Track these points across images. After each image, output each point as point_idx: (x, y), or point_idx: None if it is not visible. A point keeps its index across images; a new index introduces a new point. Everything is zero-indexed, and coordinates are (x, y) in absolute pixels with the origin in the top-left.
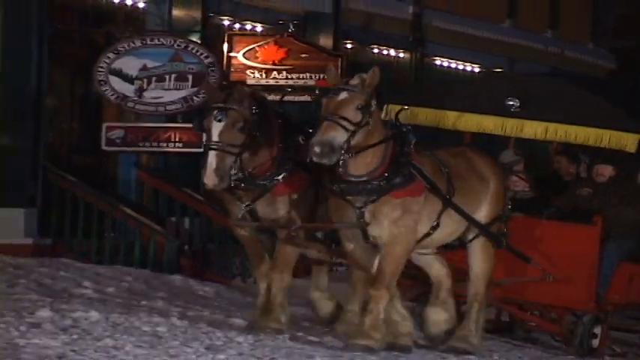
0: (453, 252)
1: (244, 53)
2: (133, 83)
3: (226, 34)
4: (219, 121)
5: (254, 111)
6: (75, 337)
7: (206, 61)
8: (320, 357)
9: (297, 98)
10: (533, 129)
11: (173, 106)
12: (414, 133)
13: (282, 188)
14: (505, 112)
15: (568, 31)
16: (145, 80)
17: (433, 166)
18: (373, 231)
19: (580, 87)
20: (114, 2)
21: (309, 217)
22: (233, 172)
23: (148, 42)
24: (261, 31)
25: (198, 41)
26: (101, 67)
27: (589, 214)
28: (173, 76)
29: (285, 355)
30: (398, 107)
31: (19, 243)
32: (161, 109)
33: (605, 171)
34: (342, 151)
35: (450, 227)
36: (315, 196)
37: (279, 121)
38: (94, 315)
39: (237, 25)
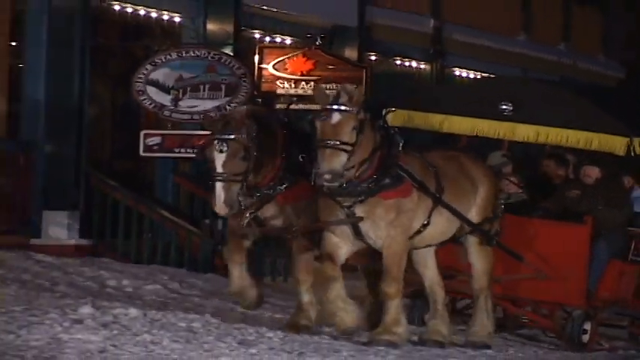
0: (440, 248)
1: (274, 65)
2: (169, 93)
3: (257, 47)
4: (221, 152)
5: (254, 134)
6: (115, 332)
7: (238, 72)
8: (347, 351)
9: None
10: (525, 132)
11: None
12: (401, 135)
13: (284, 197)
14: (499, 116)
15: (580, 43)
16: (181, 90)
17: (421, 166)
18: (370, 233)
19: (570, 92)
20: (152, 17)
21: (311, 221)
22: (240, 198)
23: (184, 54)
24: (290, 43)
25: (231, 53)
26: (139, 78)
27: (578, 214)
28: (207, 86)
29: (313, 349)
30: (399, 113)
31: (63, 244)
32: (196, 117)
33: (592, 172)
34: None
35: (441, 225)
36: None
37: (284, 132)
38: (132, 312)
39: (267, 38)
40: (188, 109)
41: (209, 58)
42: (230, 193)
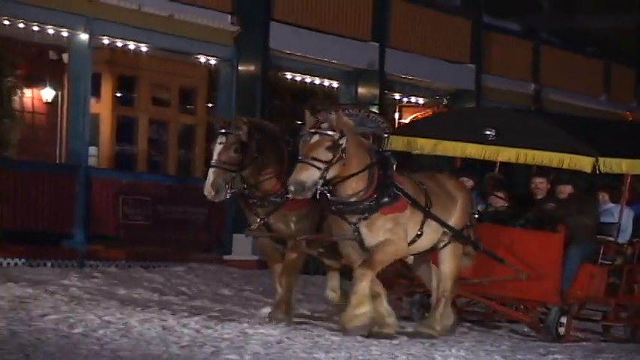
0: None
1: (410, 120)
2: None
3: (397, 106)
4: (220, 143)
5: (255, 137)
6: (289, 327)
7: (382, 125)
8: (375, 347)
9: None
10: (507, 154)
11: None
12: (394, 156)
13: (289, 205)
14: (484, 140)
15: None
16: None
17: (413, 185)
18: (370, 243)
19: (544, 119)
20: (315, 83)
21: (315, 228)
22: (228, 187)
23: (340, 112)
24: (423, 103)
25: (377, 111)
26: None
27: (554, 224)
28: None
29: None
30: (399, 138)
31: (248, 259)
32: None
33: (565, 190)
34: (317, 186)
35: (431, 235)
36: (320, 211)
37: (288, 149)
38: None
39: (405, 99)
40: None
41: (360, 114)
42: (219, 179)
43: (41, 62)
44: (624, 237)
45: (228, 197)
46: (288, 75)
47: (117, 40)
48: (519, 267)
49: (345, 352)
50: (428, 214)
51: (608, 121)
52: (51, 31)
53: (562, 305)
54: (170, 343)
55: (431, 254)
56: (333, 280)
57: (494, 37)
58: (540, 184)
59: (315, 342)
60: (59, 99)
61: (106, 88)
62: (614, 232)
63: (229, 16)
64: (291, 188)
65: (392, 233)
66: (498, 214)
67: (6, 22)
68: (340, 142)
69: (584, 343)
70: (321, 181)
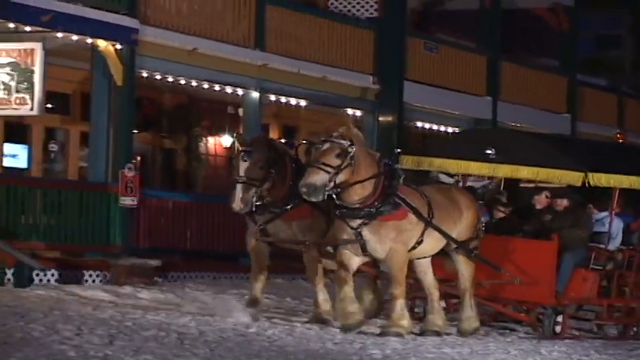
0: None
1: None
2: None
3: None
4: (245, 160)
5: (271, 153)
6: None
7: None
8: (492, 343)
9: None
10: (504, 170)
11: None
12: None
13: (289, 215)
14: (484, 158)
15: None
16: None
17: (416, 196)
18: (375, 250)
19: (538, 138)
20: (440, 130)
21: (319, 237)
22: (254, 199)
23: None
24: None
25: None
26: None
27: (549, 233)
28: None
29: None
30: (409, 157)
31: None
32: None
33: (562, 203)
34: (328, 189)
35: (432, 243)
36: (324, 222)
37: (292, 165)
38: None
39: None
40: None
41: None
42: (247, 193)
43: (221, 115)
44: (614, 244)
45: (253, 209)
46: (419, 124)
47: (281, 96)
48: (517, 272)
49: (467, 347)
50: (428, 224)
51: (597, 142)
52: (229, 90)
53: (557, 306)
54: (326, 340)
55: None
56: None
57: (586, 91)
58: (539, 199)
59: (443, 339)
60: (236, 144)
61: (273, 135)
62: (604, 240)
63: (371, 77)
64: (303, 190)
65: (395, 242)
66: (500, 225)
67: (194, 84)
68: (349, 150)
69: (579, 340)
70: (331, 184)
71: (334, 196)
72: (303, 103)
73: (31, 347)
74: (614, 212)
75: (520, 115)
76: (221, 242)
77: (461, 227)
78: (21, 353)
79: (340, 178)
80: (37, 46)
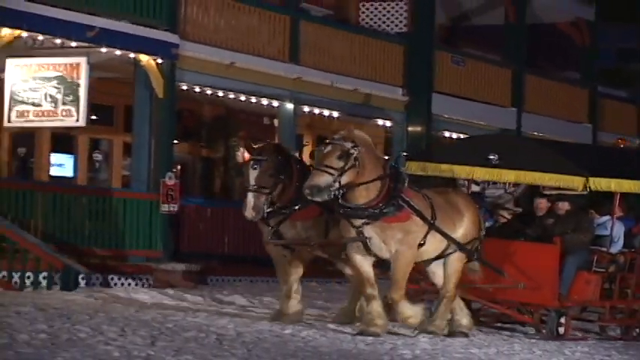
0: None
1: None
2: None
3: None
4: (255, 169)
5: (279, 160)
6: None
7: None
8: (517, 344)
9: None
10: (508, 175)
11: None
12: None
13: (296, 216)
14: (488, 164)
15: None
16: None
17: (420, 199)
18: (380, 249)
19: (540, 143)
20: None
21: (323, 236)
22: (265, 207)
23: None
24: None
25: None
26: None
27: (551, 237)
28: None
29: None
30: (414, 163)
31: None
32: None
33: (563, 206)
34: (332, 190)
35: (434, 245)
36: (328, 222)
37: (298, 167)
38: None
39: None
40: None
41: None
42: (259, 201)
43: (257, 126)
44: (616, 248)
45: (265, 216)
46: (447, 134)
47: (315, 108)
48: (521, 275)
49: (494, 347)
50: (432, 226)
51: (598, 147)
52: (265, 102)
53: (560, 308)
54: (358, 341)
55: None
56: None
57: (607, 102)
58: (541, 204)
59: (471, 340)
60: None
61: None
62: (606, 244)
63: (401, 89)
64: (307, 191)
65: (401, 244)
66: (504, 229)
67: (231, 96)
68: (351, 151)
69: (582, 342)
70: (336, 185)
71: (340, 197)
72: (335, 114)
73: (77, 348)
74: (615, 216)
75: (543, 125)
76: (257, 247)
77: (462, 229)
78: (68, 354)
79: (345, 179)
80: (83, 61)
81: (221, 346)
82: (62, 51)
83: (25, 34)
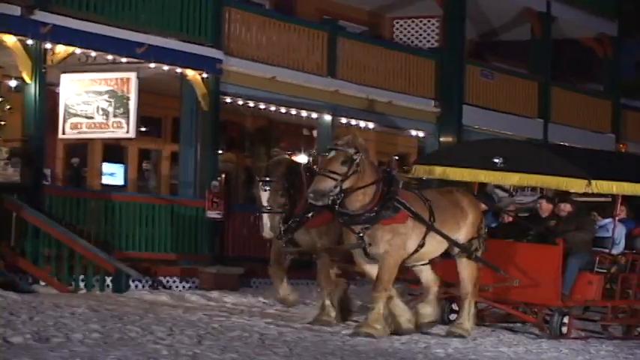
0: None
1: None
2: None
3: None
4: (265, 190)
5: (288, 176)
6: (481, 329)
7: None
8: (545, 343)
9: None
10: (512, 178)
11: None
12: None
13: (312, 222)
14: (492, 167)
15: None
16: None
17: (416, 201)
18: (372, 250)
19: (543, 148)
20: None
21: (336, 242)
22: (281, 225)
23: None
24: None
25: None
26: None
27: (554, 237)
28: None
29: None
30: (422, 167)
31: None
32: None
33: (566, 208)
34: (334, 195)
35: (434, 246)
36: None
37: (308, 174)
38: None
39: None
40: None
41: None
42: (274, 221)
43: (297, 137)
44: (618, 249)
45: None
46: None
47: (351, 119)
48: (524, 275)
49: (522, 346)
50: (430, 227)
51: (601, 151)
52: (304, 114)
53: (563, 308)
54: (394, 340)
55: (441, 263)
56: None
57: (628, 113)
58: (544, 206)
59: (500, 339)
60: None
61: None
62: (608, 245)
63: (433, 101)
64: (311, 196)
65: (389, 245)
66: (508, 230)
67: (273, 108)
68: (354, 157)
69: (584, 340)
70: (337, 190)
71: (337, 203)
72: (371, 125)
73: (128, 346)
74: (618, 218)
75: (569, 135)
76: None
77: (466, 228)
78: (119, 352)
79: (347, 184)
80: (132, 76)
81: (263, 345)
82: (113, 66)
83: (78, 50)
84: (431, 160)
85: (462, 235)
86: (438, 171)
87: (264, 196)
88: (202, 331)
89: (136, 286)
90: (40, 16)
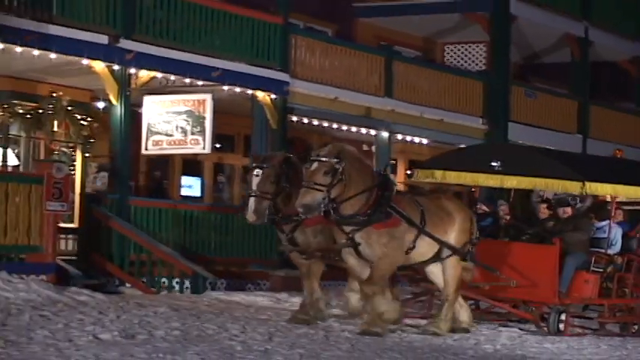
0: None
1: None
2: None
3: None
4: (257, 175)
5: (284, 169)
6: (526, 325)
7: None
8: (586, 340)
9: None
10: (510, 181)
11: None
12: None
13: (308, 221)
14: (491, 171)
15: None
16: None
17: (410, 205)
18: (366, 251)
19: (539, 151)
20: None
21: (331, 241)
22: (267, 212)
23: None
24: None
25: None
26: None
27: (551, 238)
28: None
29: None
30: (424, 171)
31: None
32: None
33: (566, 210)
34: (323, 205)
35: (424, 248)
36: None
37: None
38: None
39: None
40: None
41: None
42: (260, 206)
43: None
44: (614, 250)
45: (266, 221)
46: None
47: (407, 136)
48: (522, 274)
49: (564, 343)
50: (421, 231)
51: (596, 156)
52: (364, 131)
53: (560, 305)
54: (447, 337)
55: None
56: (353, 283)
57: None
58: (543, 208)
59: (544, 336)
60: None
61: (400, 168)
62: (604, 246)
63: (481, 119)
64: (300, 210)
65: (387, 247)
66: (506, 231)
67: (335, 126)
68: (336, 166)
69: (581, 337)
70: (326, 200)
71: (332, 208)
72: (425, 141)
73: (206, 343)
74: (614, 221)
75: (605, 149)
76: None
77: (455, 232)
78: (197, 347)
79: (333, 193)
80: (208, 97)
81: (328, 341)
82: (190, 89)
83: (159, 75)
84: (431, 164)
85: (450, 238)
86: (439, 175)
87: (255, 181)
88: (272, 328)
89: (212, 288)
90: (125, 44)
